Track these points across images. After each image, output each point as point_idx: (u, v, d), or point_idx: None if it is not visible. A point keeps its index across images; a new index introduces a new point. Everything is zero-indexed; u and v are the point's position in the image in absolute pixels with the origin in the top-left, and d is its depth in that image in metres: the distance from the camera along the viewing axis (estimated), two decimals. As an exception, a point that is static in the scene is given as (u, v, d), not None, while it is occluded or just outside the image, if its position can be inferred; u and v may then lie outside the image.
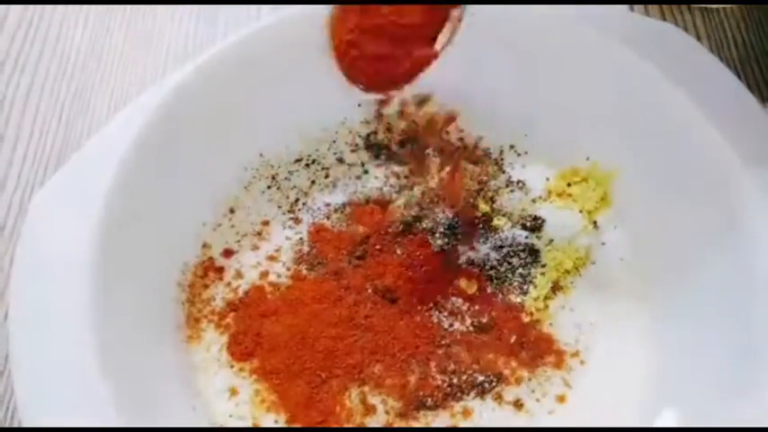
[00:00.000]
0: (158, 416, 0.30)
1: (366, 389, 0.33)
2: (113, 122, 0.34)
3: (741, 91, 0.35)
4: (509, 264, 0.36)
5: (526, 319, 0.34)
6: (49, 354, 0.29)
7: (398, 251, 0.36)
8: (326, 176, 0.39)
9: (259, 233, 0.37)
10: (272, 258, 0.37)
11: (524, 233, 0.37)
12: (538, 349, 0.34)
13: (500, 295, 0.35)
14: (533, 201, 0.38)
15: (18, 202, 0.41)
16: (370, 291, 0.35)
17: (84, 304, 0.30)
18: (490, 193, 0.38)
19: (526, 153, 0.39)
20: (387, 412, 0.32)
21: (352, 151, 0.40)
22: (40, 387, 0.28)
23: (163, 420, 0.30)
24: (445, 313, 0.34)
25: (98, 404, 0.28)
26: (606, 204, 0.37)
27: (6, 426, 0.34)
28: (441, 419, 0.32)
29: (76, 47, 0.46)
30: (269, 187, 0.38)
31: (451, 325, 0.34)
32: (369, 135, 0.40)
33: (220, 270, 0.36)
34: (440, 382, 0.33)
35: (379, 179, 0.39)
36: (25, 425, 0.28)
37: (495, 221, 0.37)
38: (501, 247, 0.36)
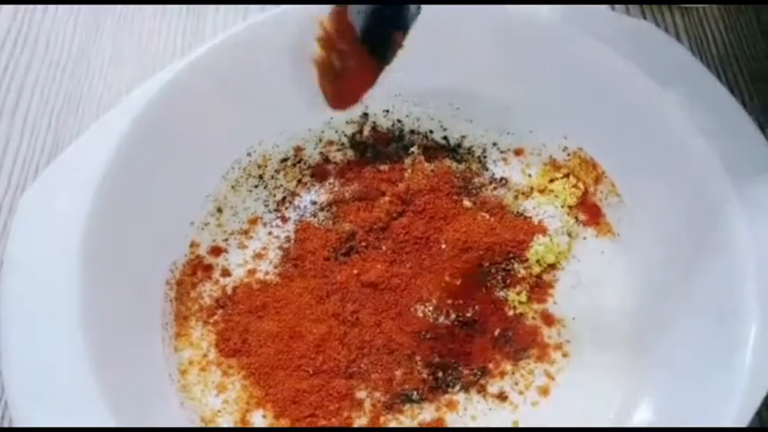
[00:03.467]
0: (147, 412, 0.31)
1: (353, 383, 0.33)
2: (99, 123, 0.34)
3: (720, 90, 0.36)
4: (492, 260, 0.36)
5: (510, 313, 0.35)
6: (39, 352, 0.29)
7: (384, 247, 0.36)
8: (313, 175, 0.39)
9: (246, 232, 0.38)
10: (259, 256, 0.37)
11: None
12: (521, 342, 0.34)
13: (484, 290, 0.35)
14: (516, 197, 0.38)
15: (8, 205, 0.41)
16: (356, 287, 0.35)
17: (73, 303, 0.30)
18: (474, 190, 0.38)
19: (508, 150, 0.40)
20: (373, 405, 0.33)
21: (338, 150, 0.40)
22: (30, 385, 0.29)
23: (152, 417, 0.31)
24: (430, 308, 0.35)
25: (88, 401, 0.28)
26: (587, 199, 0.38)
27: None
28: (426, 412, 0.33)
29: (66, 51, 0.47)
30: (256, 186, 0.39)
31: (436, 319, 0.35)
32: (354, 134, 0.40)
33: (208, 268, 0.36)
34: (425, 376, 0.33)
35: (364, 177, 0.39)
36: (16, 424, 0.28)
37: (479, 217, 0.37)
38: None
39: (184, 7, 0.48)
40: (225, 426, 0.32)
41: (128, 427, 0.28)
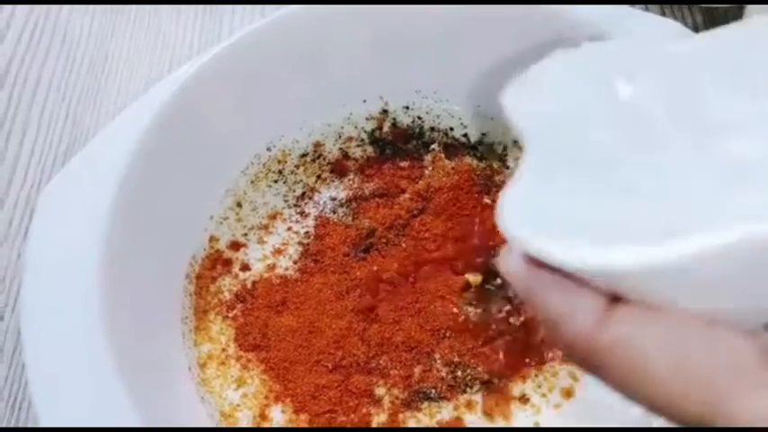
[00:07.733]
0: (167, 406, 0.31)
1: (372, 379, 0.33)
2: (120, 118, 0.34)
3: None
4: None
5: (533, 313, 0.35)
6: (60, 346, 0.29)
7: (404, 244, 0.36)
8: (332, 171, 0.39)
9: (266, 227, 0.38)
10: (278, 252, 0.37)
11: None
12: (545, 343, 0.34)
13: (506, 288, 0.35)
14: (537, 196, 0.38)
15: (25, 199, 0.41)
16: (375, 283, 0.35)
17: (92, 297, 0.30)
18: (495, 188, 0.38)
19: (530, 148, 0.39)
20: (392, 402, 0.33)
21: (358, 146, 0.40)
22: (52, 380, 0.29)
23: (171, 410, 0.31)
24: (451, 306, 0.35)
25: (109, 395, 0.28)
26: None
27: (15, 425, 0.35)
28: (445, 411, 0.33)
29: (83, 46, 0.47)
30: (275, 181, 0.39)
31: (457, 317, 0.34)
32: (374, 130, 0.40)
33: (228, 262, 0.36)
34: (444, 374, 0.33)
35: (384, 174, 0.39)
36: (39, 419, 0.28)
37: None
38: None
39: (200, 7, 0.48)
40: (244, 420, 0.32)
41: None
